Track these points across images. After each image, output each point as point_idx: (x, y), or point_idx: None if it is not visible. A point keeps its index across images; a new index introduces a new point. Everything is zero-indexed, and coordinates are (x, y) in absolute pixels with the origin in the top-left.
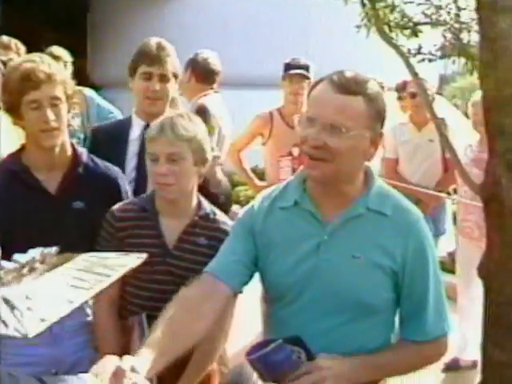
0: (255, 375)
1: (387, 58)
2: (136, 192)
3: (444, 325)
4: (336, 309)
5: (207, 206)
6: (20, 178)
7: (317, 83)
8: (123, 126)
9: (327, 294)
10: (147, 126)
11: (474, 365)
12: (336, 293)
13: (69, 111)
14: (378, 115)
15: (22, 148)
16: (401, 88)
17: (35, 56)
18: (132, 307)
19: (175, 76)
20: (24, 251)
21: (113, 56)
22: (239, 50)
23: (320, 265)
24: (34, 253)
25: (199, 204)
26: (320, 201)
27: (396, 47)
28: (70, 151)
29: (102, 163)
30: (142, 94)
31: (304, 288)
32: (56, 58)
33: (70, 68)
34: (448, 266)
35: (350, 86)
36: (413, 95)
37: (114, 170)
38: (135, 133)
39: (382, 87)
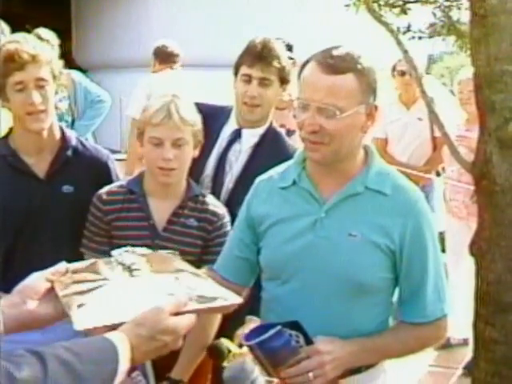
0: (256, 371)
1: (378, 39)
2: (214, 191)
3: (443, 306)
4: (331, 288)
5: (196, 188)
6: (8, 162)
7: (304, 64)
8: (222, 115)
9: (322, 272)
10: (238, 131)
11: (465, 342)
12: (331, 271)
13: (56, 93)
14: (369, 88)
15: (10, 131)
16: (392, 67)
17: (19, 37)
18: None
19: (282, 81)
20: (12, 236)
21: (98, 39)
22: (228, 32)
23: (315, 241)
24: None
25: (188, 185)
26: (318, 179)
27: (385, 25)
28: (58, 134)
29: (92, 146)
30: (240, 98)
31: (299, 265)
32: (43, 40)
33: (57, 51)
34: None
35: (338, 65)
36: (402, 73)
37: (104, 152)
38: (226, 132)
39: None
